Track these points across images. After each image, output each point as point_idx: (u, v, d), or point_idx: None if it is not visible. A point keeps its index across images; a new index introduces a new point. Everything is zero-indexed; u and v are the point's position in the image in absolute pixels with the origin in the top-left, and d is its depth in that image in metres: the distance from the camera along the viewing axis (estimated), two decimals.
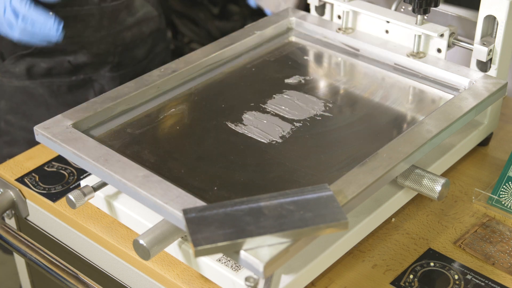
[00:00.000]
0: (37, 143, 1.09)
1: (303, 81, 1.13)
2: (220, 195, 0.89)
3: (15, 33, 1.05)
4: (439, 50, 1.11)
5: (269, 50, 1.21)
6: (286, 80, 1.13)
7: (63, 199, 1.04)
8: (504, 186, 1.03)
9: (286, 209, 0.80)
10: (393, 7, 1.18)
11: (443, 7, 1.15)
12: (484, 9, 1.04)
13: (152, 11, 1.44)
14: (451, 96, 1.06)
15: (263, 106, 1.06)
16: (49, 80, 1.33)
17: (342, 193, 0.84)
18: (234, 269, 0.87)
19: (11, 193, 1.09)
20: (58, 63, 1.32)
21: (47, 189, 1.07)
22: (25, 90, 1.34)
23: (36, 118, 1.29)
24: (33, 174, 1.10)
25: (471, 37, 1.09)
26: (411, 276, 0.92)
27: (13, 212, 1.12)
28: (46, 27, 1.04)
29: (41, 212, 1.07)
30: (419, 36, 1.12)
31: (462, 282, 0.91)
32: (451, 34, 1.10)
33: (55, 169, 1.10)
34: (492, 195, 1.03)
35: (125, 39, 1.38)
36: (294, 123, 1.03)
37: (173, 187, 0.86)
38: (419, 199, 1.03)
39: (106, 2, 1.32)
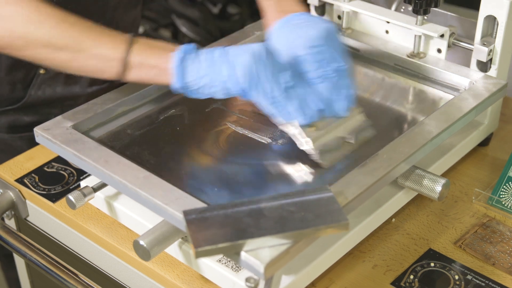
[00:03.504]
0: None
1: None
2: (221, 196, 0.89)
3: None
4: (439, 50, 1.11)
5: None
6: None
7: (63, 200, 1.04)
8: (504, 186, 1.03)
9: (286, 210, 0.80)
10: (393, 7, 1.18)
11: (443, 7, 1.15)
12: (484, 9, 1.04)
13: None
14: (451, 97, 1.06)
15: None
16: (30, 134, 1.20)
17: (343, 194, 0.84)
18: (234, 270, 0.87)
19: (11, 193, 1.09)
20: (43, 117, 1.23)
21: (47, 189, 1.06)
22: (3, 141, 1.27)
23: None
24: (33, 174, 1.09)
25: (471, 37, 1.08)
26: (412, 277, 0.92)
27: (13, 212, 1.12)
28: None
29: (41, 212, 1.07)
30: (419, 36, 1.12)
31: (463, 283, 0.91)
32: (451, 34, 1.09)
33: (55, 170, 1.10)
34: (492, 195, 1.03)
35: (114, 88, 1.32)
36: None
37: (173, 188, 0.86)
38: (419, 200, 1.03)
39: None
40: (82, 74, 0.97)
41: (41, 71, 1.21)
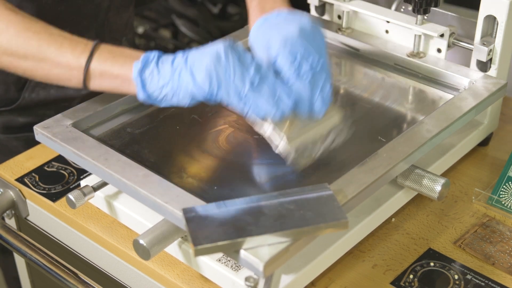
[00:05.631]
0: None
1: None
2: (220, 194, 0.89)
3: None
4: (439, 50, 1.11)
5: None
6: None
7: (63, 199, 1.04)
8: (504, 186, 1.03)
9: (286, 208, 0.80)
10: (393, 7, 1.18)
11: (443, 7, 1.15)
12: (484, 9, 1.04)
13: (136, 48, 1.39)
14: (451, 96, 1.06)
15: None
16: (25, 134, 1.24)
17: (342, 193, 0.84)
18: (234, 269, 0.87)
19: (11, 193, 1.09)
20: (38, 119, 1.20)
21: (47, 189, 1.06)
22: None
23: None
24: (33, 174, 1.09)
25: (471, 37, 1.09)
26: (411, 276, 0.92)
27: (13, 212, 1.12)
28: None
29: (41, 212, 1.07)
30: (419, 36, 1.12)
31: (462, 282, 0.91)
32: (451, 34, 1.10)
33: (55, 169, 1.10)
34: (492, 195, 1.03)
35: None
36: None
37: (173, 186, 0.86)
38: (419, 199, 1.03)
39: None
40: (48, 82, 0.96)
41: None
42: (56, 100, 1.25)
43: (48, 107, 1.25)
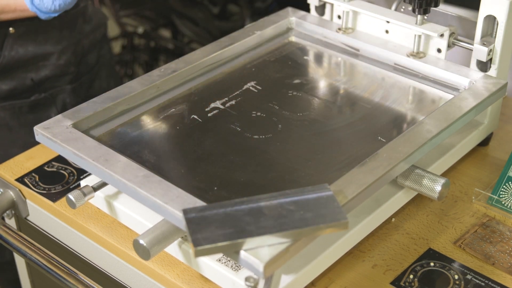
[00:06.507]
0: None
1: (303, 81, 1.13)
2: (220, 195, 0.89)
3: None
4: (439, 50, 1.11)
5: (269, 50, 1.21)
6: (287, 80, 1.13)
7: (63, 199, 1.04)
8: (504, 186, 1.03)
9: (286, 209, 0.80)
10: (393, 7, 1.18)
11: (443, 7, 1.15)
12: (484, 9, 1.04)
13: (104, 17, 1.45)
14: (451, 96, 1.06)
15: (263, 106, 1.06)
16: (10, 103, 1.29)
17: (342, 193, 0.84)
18: (234, 269, 0.87)
19: (11, 193, 1.09)
20: (20, 83, 1.29)
21: (47, 189, 1.07)
22: None
23: None
24: (33, 174, 1.10)
25: (471, 37, 1.09)
26: (411, 276, 0.92)
27: (13, 212, 1.12)
28: None
29: (41, 212, 1.07)
30: (419, 36, 1.12)
31: (462, 282, 0.91)
32: (451, 34, 1.10)
33: (55, 169, 1.10)
34: (492, 195, 1.03)
35: (83, 47, 1.37)
36: (294, 123, 1.03)
37: (173, 187, 0.86)
38: (419, 199, 1.03)
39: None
40: None
41: (11, 30, 1.24)
42: (35, 57, 1.29)
43: (28, 69, 1.30)
